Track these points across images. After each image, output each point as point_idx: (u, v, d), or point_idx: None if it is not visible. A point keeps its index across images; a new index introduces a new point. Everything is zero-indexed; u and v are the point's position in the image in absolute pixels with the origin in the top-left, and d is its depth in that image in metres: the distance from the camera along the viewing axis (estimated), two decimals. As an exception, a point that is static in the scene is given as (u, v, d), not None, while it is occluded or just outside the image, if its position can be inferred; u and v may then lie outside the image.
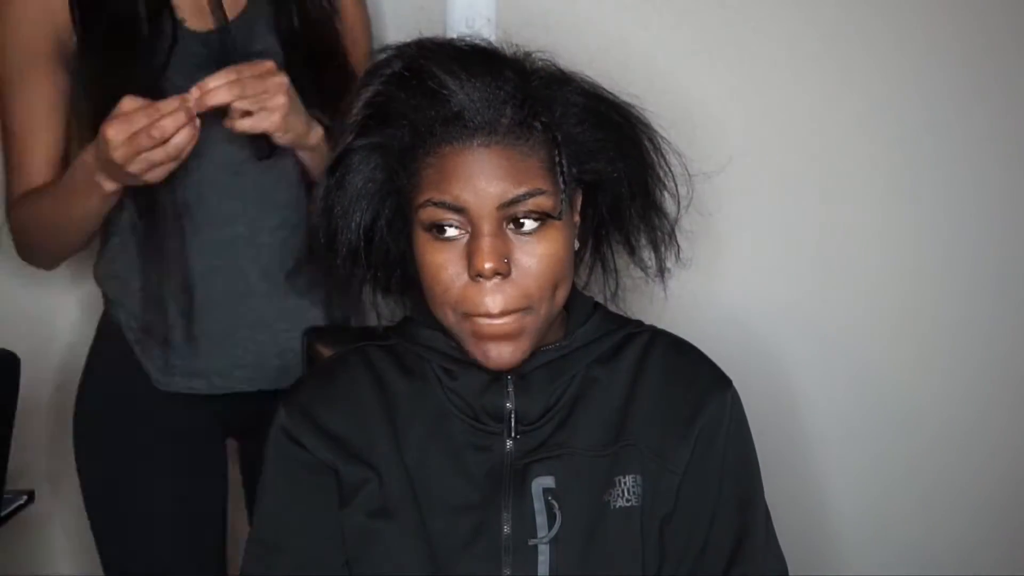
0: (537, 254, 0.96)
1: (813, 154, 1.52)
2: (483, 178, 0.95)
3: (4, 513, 1.49)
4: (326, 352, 1.27)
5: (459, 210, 0.95)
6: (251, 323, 1.32)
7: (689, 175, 1.11)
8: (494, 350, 0.97)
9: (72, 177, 1.19)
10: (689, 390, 1.06)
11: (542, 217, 0.96)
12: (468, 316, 0.97)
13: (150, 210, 1.24)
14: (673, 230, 1.10)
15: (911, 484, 1.57)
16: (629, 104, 1.07)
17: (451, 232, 0.96)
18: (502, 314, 0.96)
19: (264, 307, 1.32)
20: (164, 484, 1.34)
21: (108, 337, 1.36)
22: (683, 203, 1.10)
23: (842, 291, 1.53)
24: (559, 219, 0.98)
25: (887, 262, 1.53)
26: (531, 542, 1.01)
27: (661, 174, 1.08)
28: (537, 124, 0.97)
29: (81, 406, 1.38)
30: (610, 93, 1.06)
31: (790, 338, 1.54)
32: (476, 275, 0.95)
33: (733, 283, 1.49)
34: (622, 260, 1.14)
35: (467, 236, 0.96)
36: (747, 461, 1.08)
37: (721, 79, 1.50)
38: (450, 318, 0.99)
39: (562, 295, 1.01)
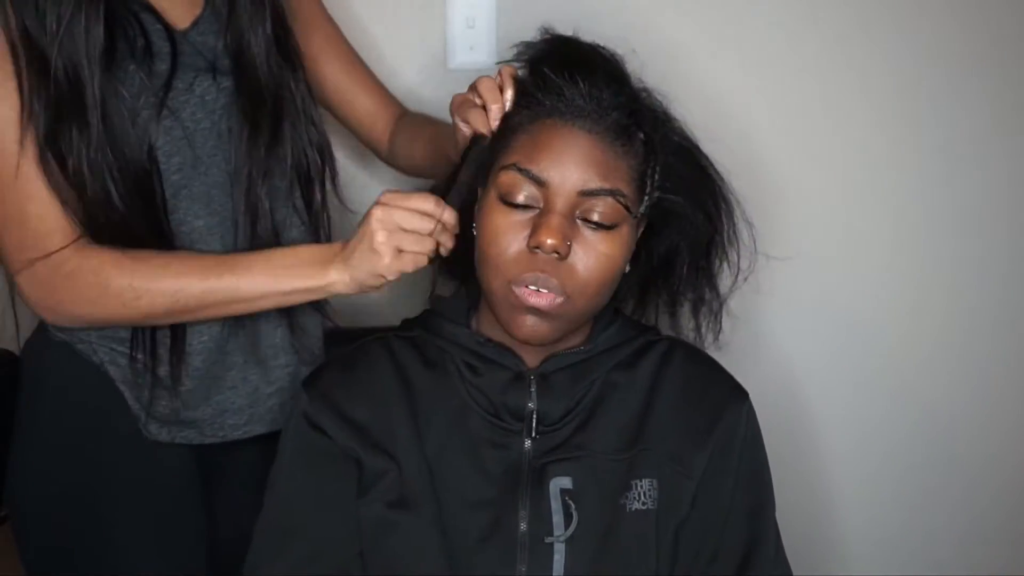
0: (597, 251, 0.99)
1: (814, 152, 1.53)
2: (573, 161, 0.98)
3: (4, 513, 1.47)
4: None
5: (540, 183, 0.98)
6: (242, 360, 1.20)
7: (755, 251, 1.14)
8: (528, 322, 1.00)
9: (273, 258, 1.10)
10: (706, 399, 1.08)
11: (614, 219, 0.99)
12: (513, 283, 0.99)
13: (137, 237, 1.11)
14: (721, 308, 1.15)
15: (917, 488, 1.58)
16: (720, 174, 1.11)
17: (523, 203, 0.99)
18: (545, 290, 0.98)
19: (256, 340, 1.21)
20: (137, 535, 1.20)
21: (81, 370, 1.19)
22: (741, 276, 1.14)
23: (851, 296, 1.54)
24: (635, 217, 1.01)
25: (897, 265, 1.54)
26: (547, 540, 1.02)
27: (727, 243, 1.12)
28: (640, 134, 1.01)
29: (52, 438, 1.20)
30: (706, 155, 1.10)
31: (803, 347, 1.55)
32: (535, 247, 0.97)
33: (744, 290, 1.51)
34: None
35: (536, 211, 0.99)
36: (760, 472, 1.10)
37: (725, 80, 1.50)
38: (496, 284, 1.01)
39: (600, 300, 1.03)
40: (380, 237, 1.02)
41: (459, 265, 1.13)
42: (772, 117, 1.51)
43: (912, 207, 1.53)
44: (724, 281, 1.15)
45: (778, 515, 1.11)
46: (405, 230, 1.02)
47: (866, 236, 1.54)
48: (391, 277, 1.05)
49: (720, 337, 1.16)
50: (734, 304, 1.17)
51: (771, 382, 1.52)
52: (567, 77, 1.00)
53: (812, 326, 1.55)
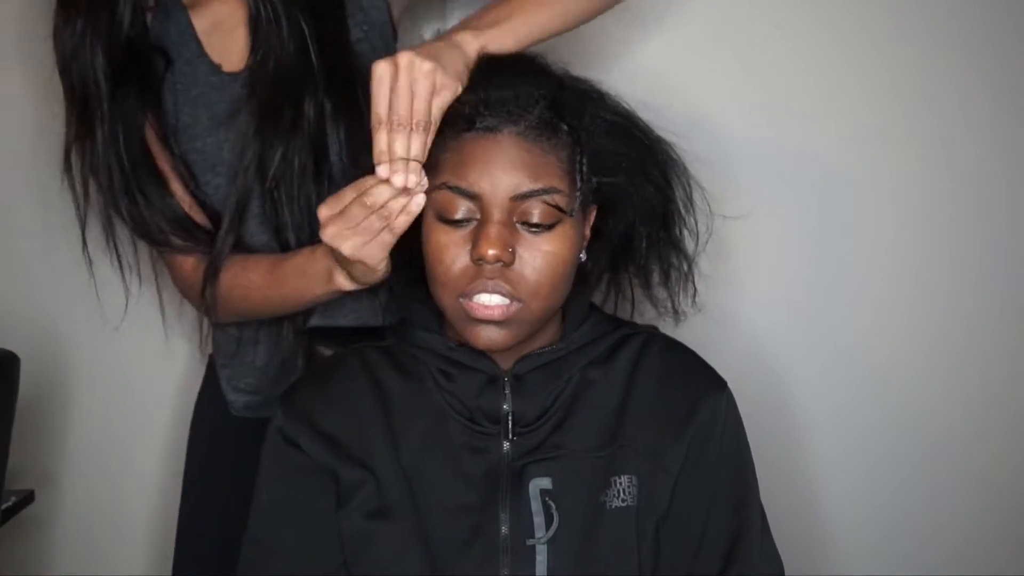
0: (542, 251, 0.98)
1: (808, 150, 1.52)
2: (500, 168, 0.97)
3: (4, 509, 1.48)
4: (325, 352, 1.28)
5: (472, 196, 0.97)
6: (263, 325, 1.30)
7: (711, 212, 1.12)
8: (484, 332, 0.99)
9: (300, 266, 1.17)
10: (684, 391, 1.07)
11: (552, 218, 0.97)
12: (464, 297, 0.98)
13: None
14: (690, 269, 1.12)
15: (911, 488, 1.56)
16: (662, 138, 1.08)
17: (460, 218, 0.98)
18: (496, 299, 0.97)
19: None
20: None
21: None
22: (702, 240, 1.12)
23: (841, 293, 1.53)
24: (571, 215, 0.99)
25: (888, 266, 1.53)
26: (529, 542, 1.01)
27: (683, 210, 1.09)
28: (563, 126, 0.99)
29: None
30: (645, 123, 1.07)
31: (788, 340, 1.54)
32: (478, 259, 0.96)
33: (730, 285, 1.49)
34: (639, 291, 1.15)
35: (475, 223, 0.98)
36: (741, 462, 1.08)
37: (722, 81, 1.50)
38: (447, 299, 1.00)
39: (557, 297, 1.02)
40: (346, 249, 1.02)
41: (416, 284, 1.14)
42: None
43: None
44: (688, 246, 1.13)
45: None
46: (356, 227, 1.01)
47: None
48: (379, 267, 1.04)
49: (697, 299, 1.13)
50: (704, 266, 1.15)
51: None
52: (478, 87, 0.99)
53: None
